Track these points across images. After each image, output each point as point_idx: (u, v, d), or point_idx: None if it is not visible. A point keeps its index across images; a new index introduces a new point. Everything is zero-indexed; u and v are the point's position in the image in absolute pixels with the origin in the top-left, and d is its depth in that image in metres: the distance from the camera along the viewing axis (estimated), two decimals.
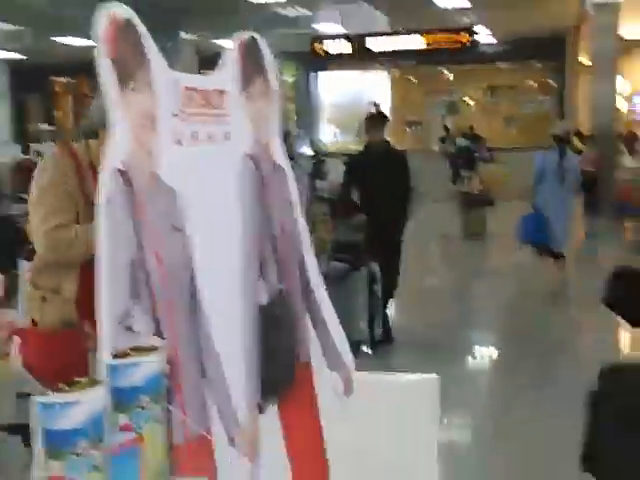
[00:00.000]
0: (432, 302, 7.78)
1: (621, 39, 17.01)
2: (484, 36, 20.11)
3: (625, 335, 7.73)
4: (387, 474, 2.98)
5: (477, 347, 7.71)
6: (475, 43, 15.82)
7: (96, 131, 3.16)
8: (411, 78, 24.19)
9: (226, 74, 2.54)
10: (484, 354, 7.58)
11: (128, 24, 2.05)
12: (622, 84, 18.28)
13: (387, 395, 3.04)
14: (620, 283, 5.50)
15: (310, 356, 2.81)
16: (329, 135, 24.42)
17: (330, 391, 2.91)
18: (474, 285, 10.99)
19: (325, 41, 17.42)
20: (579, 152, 17.40)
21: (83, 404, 1.56)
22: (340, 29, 18.38)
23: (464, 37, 15.63)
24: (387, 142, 7.59)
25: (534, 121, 21.74)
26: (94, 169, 3.35)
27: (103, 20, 1.98)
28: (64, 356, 2.95)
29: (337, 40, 17.39)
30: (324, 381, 2.88)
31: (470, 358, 7.35)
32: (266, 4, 15.46)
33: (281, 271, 2.63)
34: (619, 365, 3.16)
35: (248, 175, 2.54)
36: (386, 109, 20.17)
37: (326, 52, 17.04)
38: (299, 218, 2.80)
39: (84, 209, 3.19)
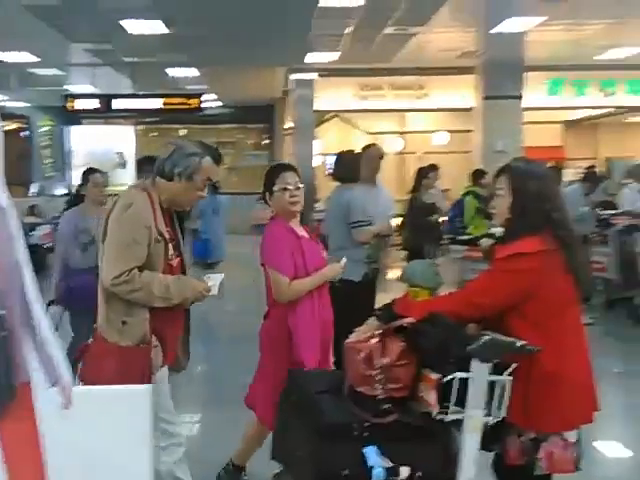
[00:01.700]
0: None
1: (315, 110, 17.89)
2: (212, 102, 20.29)
3: None
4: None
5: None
6: (202, 107, 15.89)
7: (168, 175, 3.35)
8: (153, 133, 23.92)
9: None
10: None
11: None
12: (318, 145, 19.12)
13: (100, 406, 2.82)
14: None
15: (29, 375, 2.55)
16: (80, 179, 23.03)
17: (51, 405, 2.66)
18: None
19: (78, 99, 16.56)
20: None
21: None
22: (91, 89, 17.76)
23: (194, 101, 15.60)
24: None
25: (251, 171, 22.25)
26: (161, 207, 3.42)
27: None
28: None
29: (89, 98, 16.65)
30: (45, 396, 2.62)
31: None
32: (21, 64, 14.47)
33: (0, 300, 2.37)
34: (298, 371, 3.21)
35: None
36: (132, 160, 19.69)
37: (76, 109, 16.21)
38: (20, 253, 2.54)
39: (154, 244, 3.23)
